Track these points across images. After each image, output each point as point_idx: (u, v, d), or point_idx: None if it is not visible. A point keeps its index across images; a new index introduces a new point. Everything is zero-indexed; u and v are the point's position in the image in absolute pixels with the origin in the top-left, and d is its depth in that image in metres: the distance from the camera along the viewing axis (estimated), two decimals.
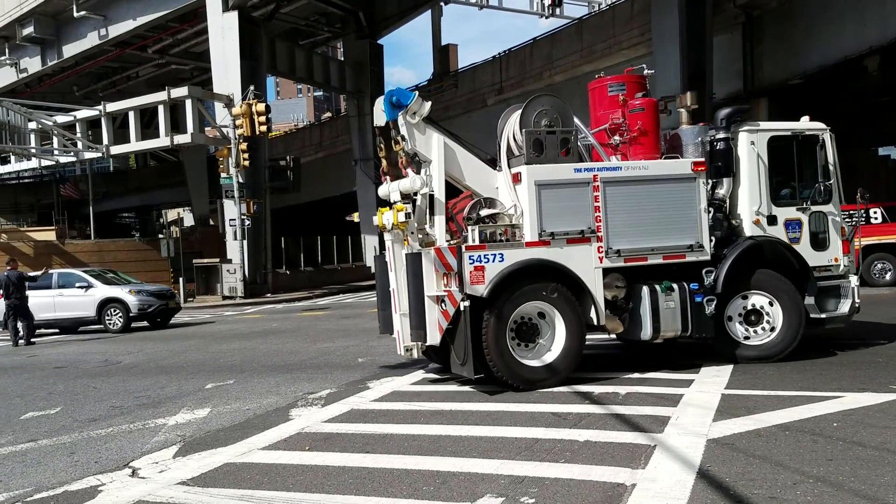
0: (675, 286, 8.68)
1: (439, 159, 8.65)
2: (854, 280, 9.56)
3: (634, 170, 8.73)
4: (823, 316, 9.30)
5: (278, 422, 7.55)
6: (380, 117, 8.94)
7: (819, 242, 9.46)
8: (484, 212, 8.59)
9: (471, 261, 8.01)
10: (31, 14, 33.54)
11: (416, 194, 8.66)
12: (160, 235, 43.15)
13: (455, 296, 7.98)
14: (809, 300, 9.17)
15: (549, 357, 8.34)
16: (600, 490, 4.96)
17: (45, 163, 34.47)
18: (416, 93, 8.72)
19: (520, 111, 8.74)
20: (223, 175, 29.75)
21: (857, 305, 9.55)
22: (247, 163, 28.45)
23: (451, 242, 8.58)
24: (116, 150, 32.19)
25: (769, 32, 27.37)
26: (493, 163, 9.20)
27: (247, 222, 29.75)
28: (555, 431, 6.44)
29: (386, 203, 9.34)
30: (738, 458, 5.44)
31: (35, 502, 5.45)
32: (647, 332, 8.64)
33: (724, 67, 27.20)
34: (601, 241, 8.52)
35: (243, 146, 28.08)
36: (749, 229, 9.26)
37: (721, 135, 9.24)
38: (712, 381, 8.14)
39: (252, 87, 27.69)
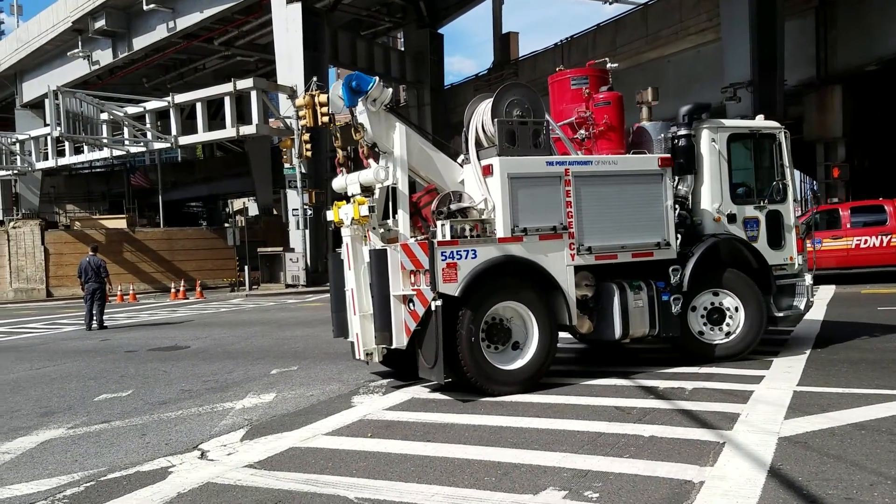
0: (643, 285, 8.45)
1: (402, 150, 8.20)
2: (808, 278, 9.58)
3: (604, 164, 8.44)
4: (780, 314, 9.32)
5: (341, 408, 7.65)
6: (336, 104, 8.41)
7: (775, 241, 9.42)
8: (454, 206, 8.11)
9: (443, 257, 7.52)
10: (102, 7, 34.57)
11: (377, 187, 8.26)
12: (226, 224, 44.18)
13: (425, 295, 7.53)
14: (769, 298, 9.11)
15: (523, 359, 7.96)
16: (667, 487, 4.85)
17: (115, 153, 35.48)
18: (377, 78, 8.23)
19: (490, 101, 8.33)
20: (286, 165, 30.20)
21: (811, 303, 9.71)
22: (309, 153, 28.62)
23: (419, 238, 8.13)
24: (184, 140, 33.00)
25: (844, 16, 26.36)
26: (455, 156, 8.91)
27: (309, 212, 30.17)
28: (618, 426, 6.34)
29: (341, 197, 8.88)
30: (811, 458, 5.26)
31: (109, 482, 5.62)
32: (617, 332, 8.37)
33: (796, 53, 26.32)
34: (573, 238, 8.19)
35: (306, 137, 28.28)
36: (711, 227, 9.12)
37: (683, 131, 9.01)
38: (784, 378, 7.90)
39: (315, 79, 27.75)
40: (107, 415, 8.05)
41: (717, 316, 9.00)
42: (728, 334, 9.00)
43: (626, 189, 8.51)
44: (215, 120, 35.66)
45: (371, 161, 8.44)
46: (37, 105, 41.54)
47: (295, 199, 30.49)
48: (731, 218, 9.20)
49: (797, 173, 46.99)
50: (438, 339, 7.42)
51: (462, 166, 8.77)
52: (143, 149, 34.94)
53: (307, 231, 30.31)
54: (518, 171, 8.02)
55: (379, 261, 7.95)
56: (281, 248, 32.57)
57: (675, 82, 30.90)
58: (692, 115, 9.15)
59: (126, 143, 33.51)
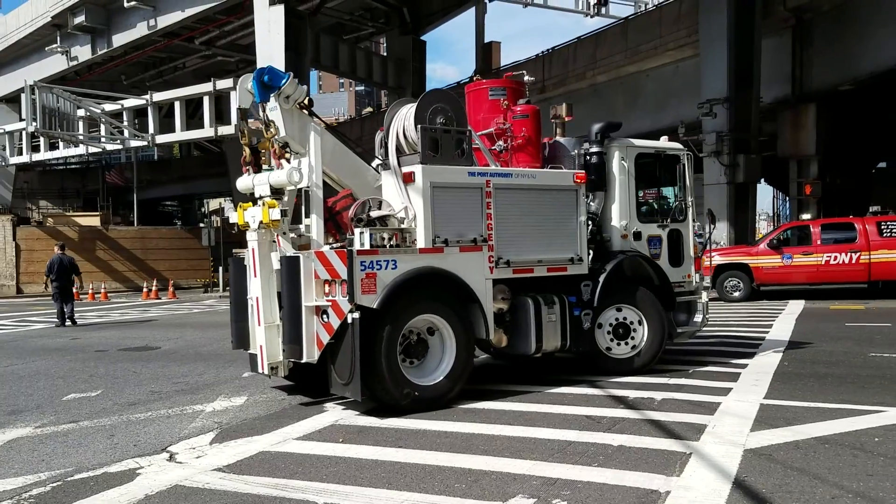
0: (556, 299, 8.53)
1: (316, 151, 7.80)
2: (705, 296, 9.95)
3: (524, 178, 8.43)
4: (679, 330, 9.65)
5: (312, 413, 7.63)
6: (245, 98, 7.92)
7: (675, 259, 9.69)
8: (375, 213, 7.77)
9: (363, 267, 7.12)
10: (82, 3, 34.20)
11: (288, 189, 7.87)
12: (201, 224, 43.78)
13: (341, 306, 7.13)
14: (670, 314, 9.39)
15: (439, 374, 7.71)
16: (634, 496, 4.92)
17: (91, 150, 35.10)
18: (291, 74, 7.87)
19: (412, 106, 8.12)
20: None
21: (706, 320, 10.07)
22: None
23: (334, 246, 7.78)
24: (162, 139, 32.71)
25: (819, 36, 26.83)
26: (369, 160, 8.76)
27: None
28: (588, 435, 6.41)
29: (246, 198, 8.36)
30: (775, 470, 5.35)
31: (76, 482, 5.58)
32: (532, 347, 8.39)
33: (772, 71, 26.73)
34: (492, 251, 8.07)
35: None
36: (618, 244, 9.31)
37: (595, 149, 9.18)
38: (751, 391, 8.01)
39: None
40: (75, 414, 7.96)
41: (622, 331, 9.13)
42: (632, 348, 9.14)
43: (543, 203, 8.56)
44: (193, 119, 35.35)
45: (283, 161, 7.97)
46: (12, 99, 40.92)
47: None
48: (637, 235, 9.42)
49: (772, 189, 47.62)
50: (355, 354, 7.06)
51: (378, 171, 8.54)
52: (120, 146, 34.63)
53: None
54: (441, 180, 7.81)
55: (291, 269, 7.47)
56: None
57: (653, 97, 31.25)
58: (604, 133, 9.27)
59: (102, 140, 33.16)
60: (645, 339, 9.14)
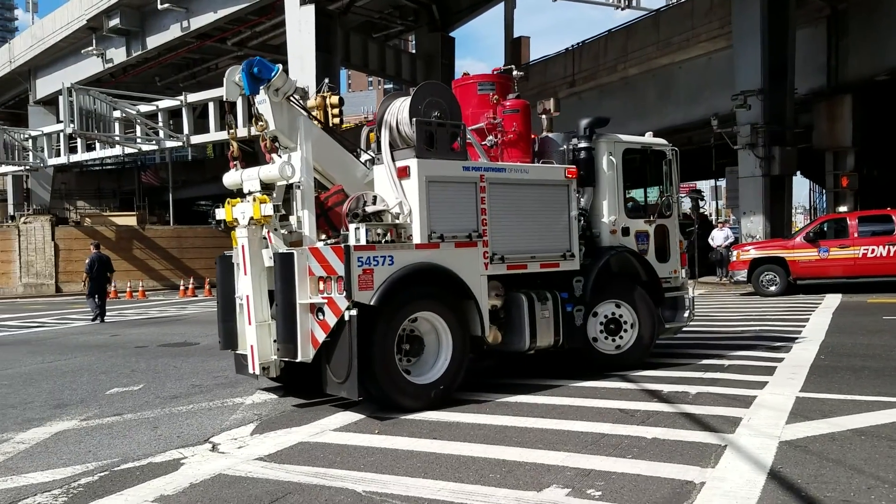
0: (548, 295, 8.46)
1: (307, 145, 7.69)
2: (691, 291, 9.94)
3: (517, 172, 8.37)
4: (666, 325, 9.67)
5: (348, 406, 7.72)
6: (233, 91, 7.72)
7: (662, 254, 9.65)
8: (370, 208, 7.66)
9: (360, 263, 6.99)
10: (117, 6, 34.79)
11: (279, 184, 7.71)
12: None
13: (338, 304, 6.98)
14: (658, 309, 9.38)
15: (436, 373, 7.60)
16: (668, 487, 4.95)
17: (127, 150, 35.72)
18: (280, 66, 7.71)
19: (405, 99, 8.02)
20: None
21: (693, 315, 10.09)
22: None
23: (328, 242, 7.59)
24: (196, 139, 33.18)
25: (855, 26, 26.35)
26: (354, 152, 8.67)
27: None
28: (622, 427, 6.44)
29: (233, 193, 8.13)
30: (810, 461, 5.35)
31: (122, 472, 5.76)
32: (525, 343, 8.31)
33: (807, 62, 26.31)
34: (486, 247, 7.97)
35: None
36: (608, 239, 9.26)
37: (583, 144, 9.12)
38: (787, 384, 7.98)
39: (326, 80, 27.81)
40: (119, 408, 8.19)
41: (613, 326, 9.11)
42: (624, 344, 9.13)
43: (536, 199, 8.52)
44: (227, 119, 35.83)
45: (274, 156, 7.81)
46: (50, 102, 41.79)
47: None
48: (625, 231, 9.38)
49: (807, 182, 46.90)
50: (353, 352, 6.91)
51: (367, 166, 8.45)
52: (155, 147, 35.15)
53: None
54: (436, 174, 7.70)
55: (284, 266, 7.23)
56: None
57: (686, 89, 30.96)
58: (592, 128, 9.22)
59: (138, 140, 33.71)
60: (636, 334, 9.13)
